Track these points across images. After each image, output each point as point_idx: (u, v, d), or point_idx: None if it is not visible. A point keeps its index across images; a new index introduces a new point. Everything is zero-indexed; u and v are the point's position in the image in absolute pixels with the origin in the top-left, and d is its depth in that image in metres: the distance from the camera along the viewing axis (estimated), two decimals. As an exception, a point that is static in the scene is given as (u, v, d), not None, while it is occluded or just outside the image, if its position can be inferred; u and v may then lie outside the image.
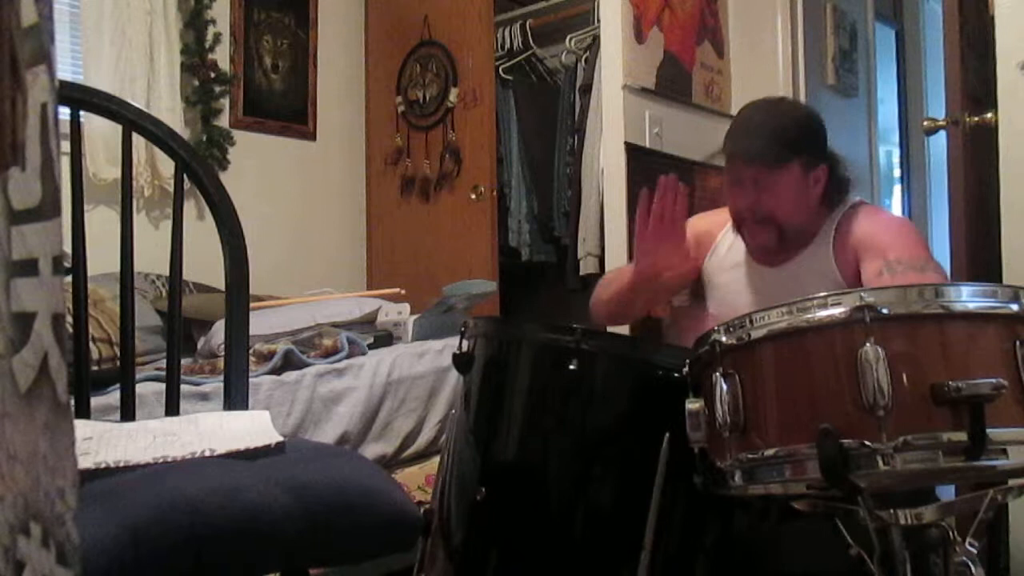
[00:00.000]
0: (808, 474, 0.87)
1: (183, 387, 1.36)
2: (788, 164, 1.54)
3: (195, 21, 3.00)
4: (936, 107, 3.00)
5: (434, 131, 3.36)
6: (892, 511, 0.91)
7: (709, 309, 1.74)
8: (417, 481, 2.14)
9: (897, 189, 4.31)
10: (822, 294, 0.89)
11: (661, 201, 1.47)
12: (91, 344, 1.74)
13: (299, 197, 3.42)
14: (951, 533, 0.90)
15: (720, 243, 1.78)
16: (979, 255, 1.82)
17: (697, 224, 1.83)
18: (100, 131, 2.67)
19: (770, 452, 0.90)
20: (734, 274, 1.73)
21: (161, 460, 0.90)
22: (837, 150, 1.66)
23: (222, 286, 1.31)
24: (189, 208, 2.73)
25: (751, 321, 0.93)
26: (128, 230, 1.24)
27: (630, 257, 2.59)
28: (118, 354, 1.58)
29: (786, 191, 1.56)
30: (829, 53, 3.31)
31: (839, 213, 1.62)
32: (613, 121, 2.64)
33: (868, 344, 0.84)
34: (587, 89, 3.07)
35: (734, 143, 1.61)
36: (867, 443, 0.83)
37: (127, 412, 1.21)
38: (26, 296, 0.45)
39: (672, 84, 2.81)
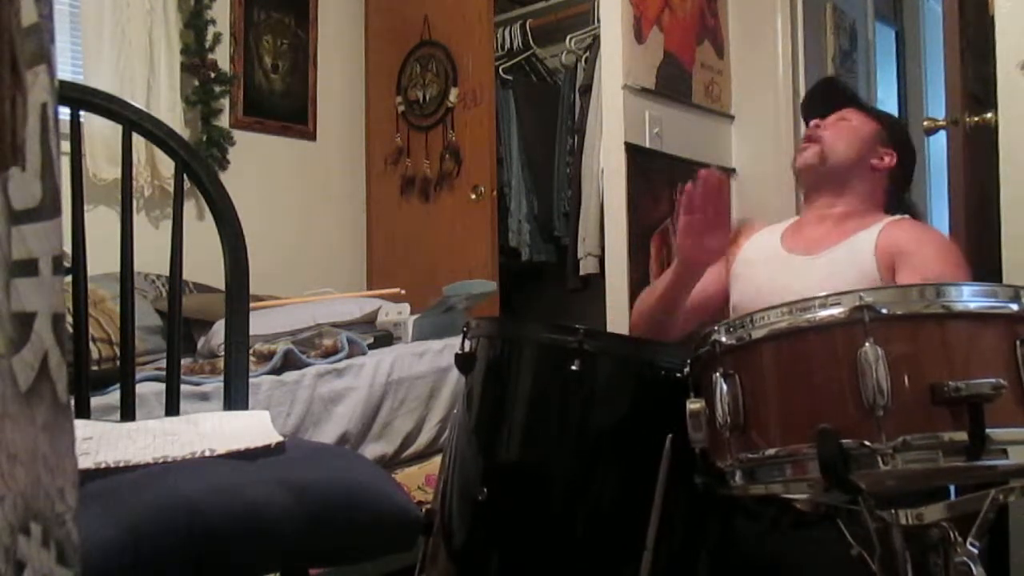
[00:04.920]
0: (808, 474, 0.87)
1: (183, 387, 1.36)
2: (865, 116, 1.73)
3: (195, 21, 3.00)
4: (936, 107, 3.00)
5: (434, 131, 3.36)
6: (893, 511, 0.91)
7: (732, 300, 1.74)
8: (417, 481, 2.14)
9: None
10: (822, 294, 0.89)
11: (704, 193, 1.49)
12: (91, 344, 1.74)
13: (299, 197, 3.42)
14: (952, 533, 0.90)
15: (751, 241, 1.79)
16: (979, 255, 1.82)
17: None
18: (100, 131, 2.68)
19: (770, 452, 0.90)
20: (761, 266, 1.72)
21: (161, 460, 0.90)
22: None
23: (222, 286, 1.31)
24: (189, 208, 2.73)
25: (752, 321, 0.93)
26: (128, 230, 1.23)
27: (630, 257, 2.59)
28: (118, 354, 1.58)
29: (852, 130, 1.70)
30: (829, 53, 3.31)
31: (887, 219, 1.64)
32: (613, 121, 2.64)
33: (867, 344, 0.84)
34: (587, 89, 3.07)
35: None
36: (867, 443, 0.83)
37: (127, 412, 1.21)
38: (26, 296, 0.45)
39: (672, 84, 2.81)
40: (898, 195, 1.74)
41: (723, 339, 0.95)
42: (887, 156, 1.70)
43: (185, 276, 1.41)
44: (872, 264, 1.55)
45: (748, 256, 1.76)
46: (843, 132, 1.70)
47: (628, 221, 2.59)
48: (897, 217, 1.66)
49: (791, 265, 1.65)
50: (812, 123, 1.75)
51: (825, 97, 1.83)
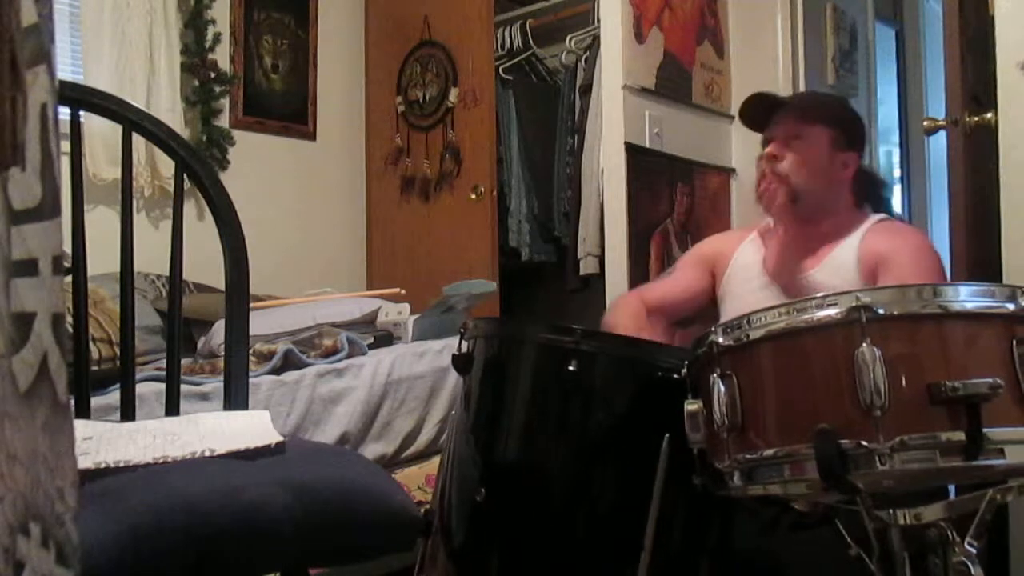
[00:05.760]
0: (806, 474, 0.87)
1: (183, 387, 1.36)
2: (818, 126, 1.62)
3: (195, 21, 3.00)
4: (936, 107, 3.00)
5: (434, 131, 3.36)
6: (891, 511, 0.91)
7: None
8: (417, 481, 2.14)
9: (897, 189, 4.30)
10: (819, 295, 0.90)
11: None
12: (91, 344, 1.74)
13: (299, 197, 3.42)
14: (950, 533, 0.90)
15: (736, 259, 1.78)
16: (979, 255, 1.82)
17: (714, 244, 1.87)
18: (100, 131, 2.68)
19: (768, 452, 0.90)
20: (749, 286, 1.72)
21: (161, 460, 0.91)
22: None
23: (222, 286, 1.31)
24: (189, 208, 2.73)
25: (749, 322, 0.93)
26: (128, 230, 1.24)
27: (630, 257, 2.59)
28: (118, 354, 1.58)
29: (810, 152, 1.61)
30: (829, 53, 3.31)
31: (866, 226, 1.64)
32: (613, 121, 2.64)
33: (865, 344, 0.84)
34: (587, 89, 3.07)
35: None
36: (864, 443, 0.83)
37: (127, 412, 1.21)
38: (26, 296, 0.45)
39: (672, 84, 2.81)
40: (864, 179, 1.69)
41: (721, 340, 0.95)
42: (849, 161, 1.65)
43: (185, 276, 1.41)
44: (856, 278, 1.57)
45: (733, 279, 1.77)
46: (804, 158, 1.60)
47: (628, 221, 2.59)
48: (875, 219, 1.66)
49: (776, 294, 1.67)
50: (767, 152, 1.64)
51: (765, 113, 1.69)
